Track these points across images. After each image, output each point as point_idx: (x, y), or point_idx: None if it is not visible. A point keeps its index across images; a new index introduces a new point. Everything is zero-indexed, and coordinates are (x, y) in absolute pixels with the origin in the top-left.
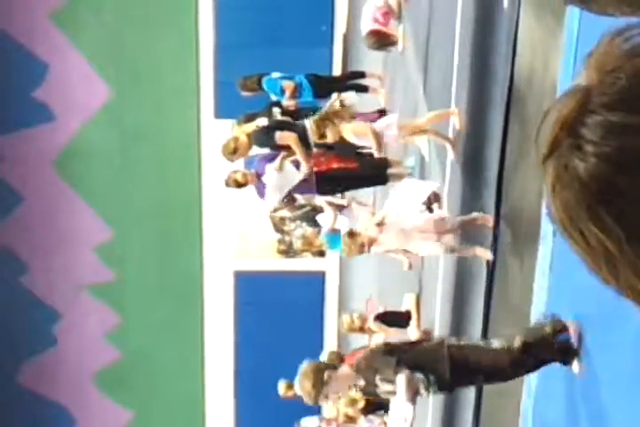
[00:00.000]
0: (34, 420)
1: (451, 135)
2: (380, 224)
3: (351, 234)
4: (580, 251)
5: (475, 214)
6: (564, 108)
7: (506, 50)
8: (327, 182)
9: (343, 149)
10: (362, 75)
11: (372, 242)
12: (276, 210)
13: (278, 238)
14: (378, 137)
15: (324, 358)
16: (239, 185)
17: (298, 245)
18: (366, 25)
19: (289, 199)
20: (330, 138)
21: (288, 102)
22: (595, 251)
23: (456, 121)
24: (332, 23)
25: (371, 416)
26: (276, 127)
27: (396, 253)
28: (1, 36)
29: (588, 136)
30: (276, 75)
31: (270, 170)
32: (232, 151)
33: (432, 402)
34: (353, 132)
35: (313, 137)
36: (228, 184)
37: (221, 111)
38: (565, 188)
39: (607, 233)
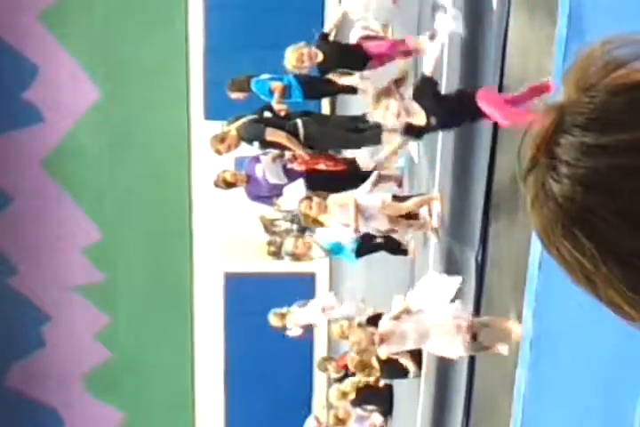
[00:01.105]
0: (22, 422)
1: (435, 219)
2: (397, 318)
3: (360, 325)
4: (558, 263)
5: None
6: (541, 128)
7: (496, 50)
8: (315, 183)
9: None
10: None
11: (386, 337)
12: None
13: (268, 240)
14: (359, 207)
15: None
16: (228, 185)
17: (288, 248)
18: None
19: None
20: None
21: (279, 106)
22: (571, 266)
23: (438, 206)
24: (322, 25)
25: (359, 411)
26: (266, 122)
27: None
28: None
29: (563, 157)
30: (265, 76)
31: (261, 166)
32: (220, 140)
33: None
34: (337, 205)
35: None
36: (217, 184)
37: (211, 113)
38: (542, 205)
39: (581, 250)
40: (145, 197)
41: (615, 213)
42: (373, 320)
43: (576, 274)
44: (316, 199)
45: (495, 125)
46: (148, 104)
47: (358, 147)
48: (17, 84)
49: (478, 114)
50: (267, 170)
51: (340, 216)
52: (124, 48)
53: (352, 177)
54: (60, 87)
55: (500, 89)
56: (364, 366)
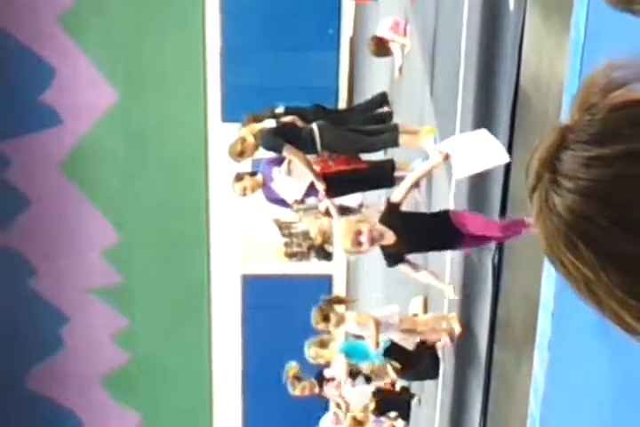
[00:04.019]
0: (41, 423)
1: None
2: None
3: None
4: (563, 276)
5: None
6: (545, 146)
7: (512, 53)
8: (335, 184)
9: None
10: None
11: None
12: (297, 210)
13: (285, 242)
14: (378, 325)
15: None
16: (247, 190)
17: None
18: (380, 31)
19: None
20: (332, 324)
21: (287, 118)
22: (574, 277)
23: (455, 325)
24: (338, 26)
25: (381, 418)
26: (283, 133)
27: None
28: (8, 39)
29: (564, 171)
30: (279, 110)
31: (278, 175)
32: (239, 154)
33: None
34: (355, 322)
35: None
36: (236, 192)
37: (228, 115)
38: (546, 219)
39: (583, 261)
40: (162, 199)
41: (612, 220)
42: None
43: (579, 286)
44: (333, 316)
45: (512, 119)
46: (165, 106)
47: (375, 150)
48: (35, 87)
49: (456, 237)
50: (283, 188)
51: (357, 331)
52: (142, 51)
53: (373, 179)
54: (78, 90)
55: (516, 91)
56: (377, 373)
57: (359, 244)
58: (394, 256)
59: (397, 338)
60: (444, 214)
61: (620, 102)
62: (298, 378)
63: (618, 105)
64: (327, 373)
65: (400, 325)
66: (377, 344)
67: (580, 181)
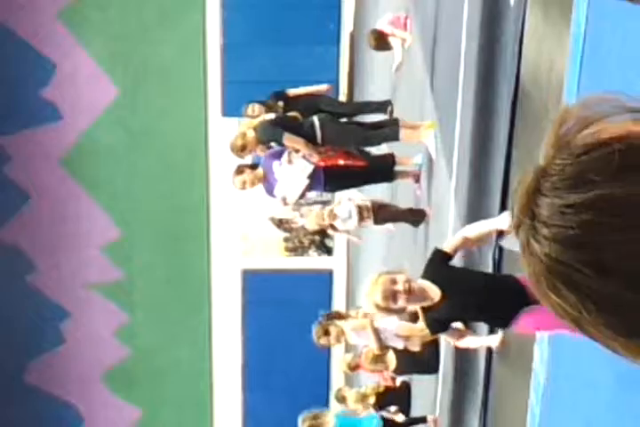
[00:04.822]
0: (42, 418)
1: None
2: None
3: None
4: (552, 311)
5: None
6: (522, 191)
7: (512, 48)
8: (334, 179)
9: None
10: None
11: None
12: (299, 205)
13: (285, 237)
14: (376, 331)
15: None
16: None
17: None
18: (380, 25)
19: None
20: (333, 338)
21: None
22: (561, 313)
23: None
24: (339, 21)
25: (381, 413)
26: (283, 124)
27: None
28: (9, 35)
29: (541, 218)
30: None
31: (278, 166)
32: (240, 149)
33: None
34: (353, 330)
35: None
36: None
37: (229, 109)
38: (529, 261)
39: (566, 302)
40: (163, 194)
41: (588, 265)
42: None
43: (567, 320)
44: (332, 329)
45: (512, 114)
46: (165, 102)
47: (376, 144)
48: (35, 83)
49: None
50: (285, 179)
51: (358, 340)
52: (142, 46)
53: (373, 173)
54: (79, 85)
55: (516, 93)
56: (377, 360)
57: (394, 298)
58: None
59: (401, 346)
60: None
61: (590, 144)
62: None
63: (587, 147)
64: None
65: (398, 332)
66: (379, 347)
67: (555, 228)
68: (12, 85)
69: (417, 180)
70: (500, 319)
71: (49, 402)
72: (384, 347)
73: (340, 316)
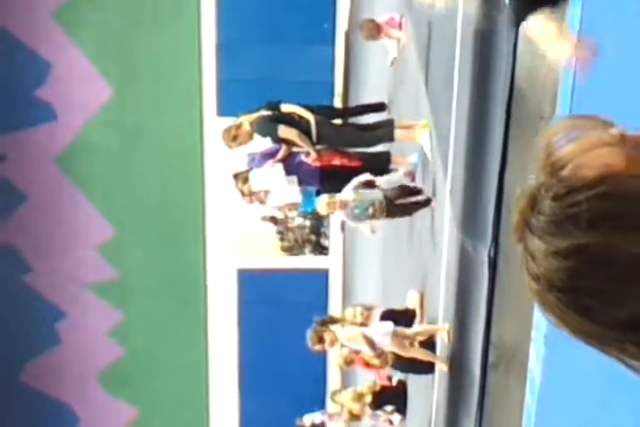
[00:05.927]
0: (37, 418)
1: (439, 349)
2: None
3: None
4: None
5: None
6: (518, 213)
7: (507, 48)
8: (330, 179)
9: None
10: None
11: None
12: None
13: (280, 236)
14: (369, 341)
15: None
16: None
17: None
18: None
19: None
20: (327, 344)
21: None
22: (561, 325)
23: (444, 336)
24: (333, 21)
25: (377, 412)
26: (279, 119)
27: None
28: (4, 35)
29: (530, 252)
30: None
31: (272, 165)
32: (232, 138)
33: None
34: (346, 340)
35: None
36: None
37: (224, 109)
38: (527, 281)
39: (557, 321)
40: (158, 193)
41: (568, 306)
42: (386, 316)
43: (566, 331)
44: (327, 336)
45: (507, 114)
46: (160, 101)
47: (371, 146)
48: (30, 82)
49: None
50: (280, 179)
51: (352, 345)
52: (137, 46)
53: (368, 171)
54: (73, 85)
55: (512, 87)
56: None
57: None
58: None
59: (396, 351)
60: None
61: (565, 193)
62: None
63: (569, 188)
64: None
65: (391, 343)
66: (375, 354)
67: (540, 269)
68: (6, 85)
69: (412, 178)
70: None
71: (45, 402)
72: (380, 353)
73: (333, 320)
